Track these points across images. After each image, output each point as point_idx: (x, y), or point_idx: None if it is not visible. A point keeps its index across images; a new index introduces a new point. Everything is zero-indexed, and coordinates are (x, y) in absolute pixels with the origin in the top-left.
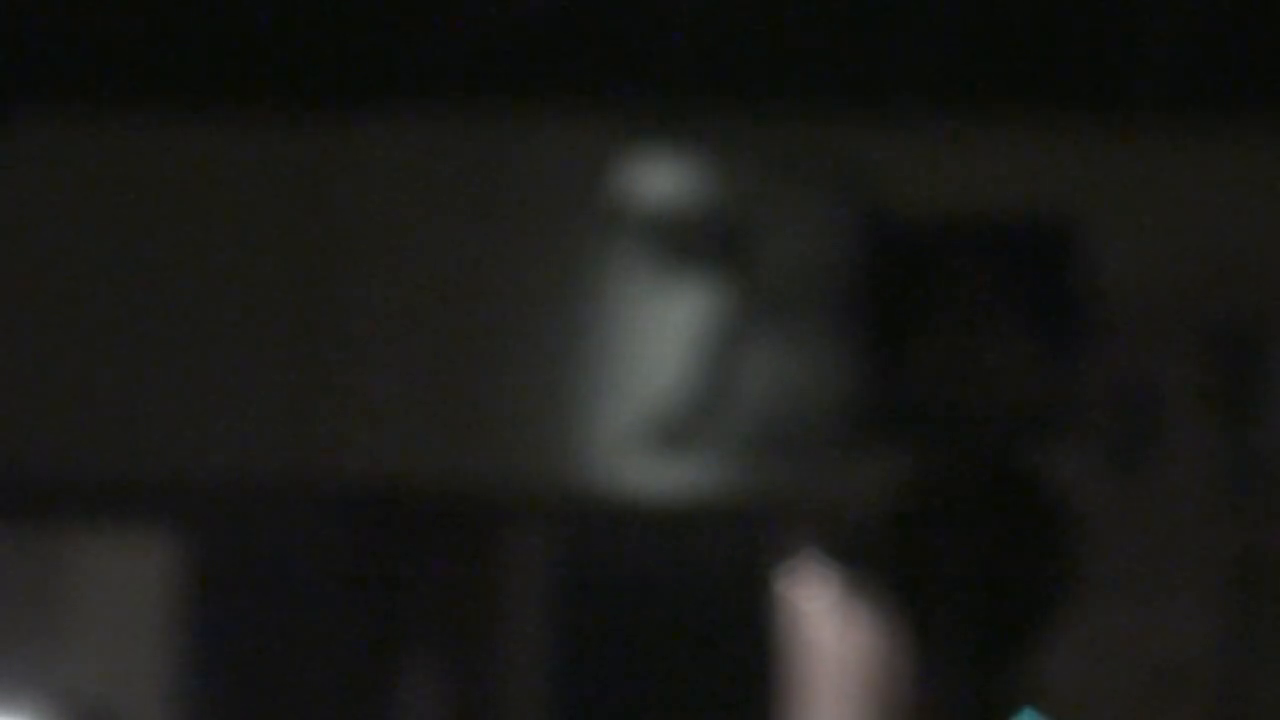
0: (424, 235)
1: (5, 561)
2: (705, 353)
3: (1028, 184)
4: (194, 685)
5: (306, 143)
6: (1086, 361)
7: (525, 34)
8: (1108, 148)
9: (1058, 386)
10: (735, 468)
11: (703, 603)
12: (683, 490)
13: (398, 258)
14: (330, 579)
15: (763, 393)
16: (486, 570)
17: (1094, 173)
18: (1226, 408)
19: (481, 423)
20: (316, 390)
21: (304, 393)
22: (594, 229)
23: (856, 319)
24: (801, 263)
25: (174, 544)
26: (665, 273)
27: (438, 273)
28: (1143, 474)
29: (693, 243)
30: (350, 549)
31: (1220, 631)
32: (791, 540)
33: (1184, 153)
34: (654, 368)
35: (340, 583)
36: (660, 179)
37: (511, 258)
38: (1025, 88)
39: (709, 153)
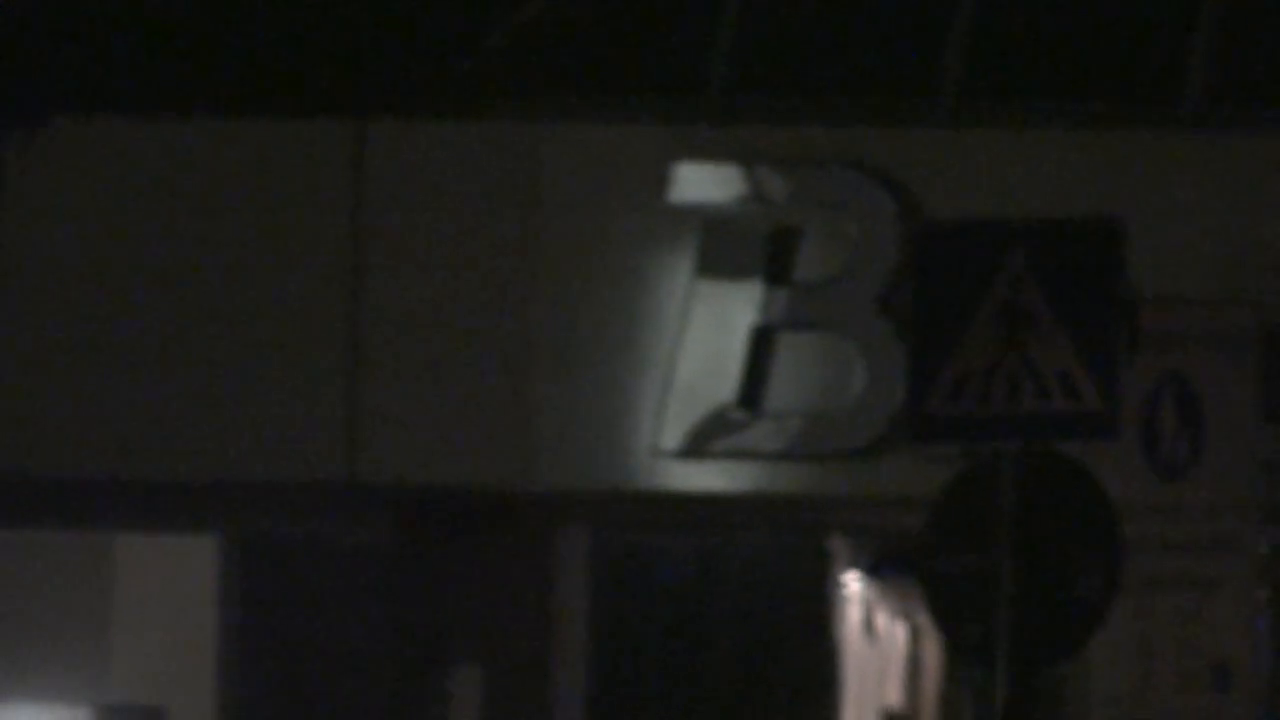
0: (470, 239)
1: (57, 563)
2: (749, 355)
3: (1069, 185)
4: (241, 685)
5: (351, 146)
6: (1130, 361)
7: (572, 35)
8: (1150, 148)
9: (1101, 387)
10: (779, 469)
11: (747, 604)
12: (726, 491)
13: (444, 260)
14: (376, 580)
15: (806, 395)
16: (533, 571)
17: (1137, 173)
18: (1265, 407)
19: (526, 425)
20: (363, 393)
21: (351, 396)
22: (640, 232)
23: (901, 321)
24: (845, 266)
25: (221, 546)
26: (710, 276)
27: (485, 275)
28: (1184, 473)
29: (738, 246)
30: (395, 551)
31: (1261, 628)
32: (833, 541)
33: (1226, 152)
34: (699, 370)
35: (386, 584)
36: (706, 182)
37: (557, 261)
38: (1066, 88)
39: (754, 156)
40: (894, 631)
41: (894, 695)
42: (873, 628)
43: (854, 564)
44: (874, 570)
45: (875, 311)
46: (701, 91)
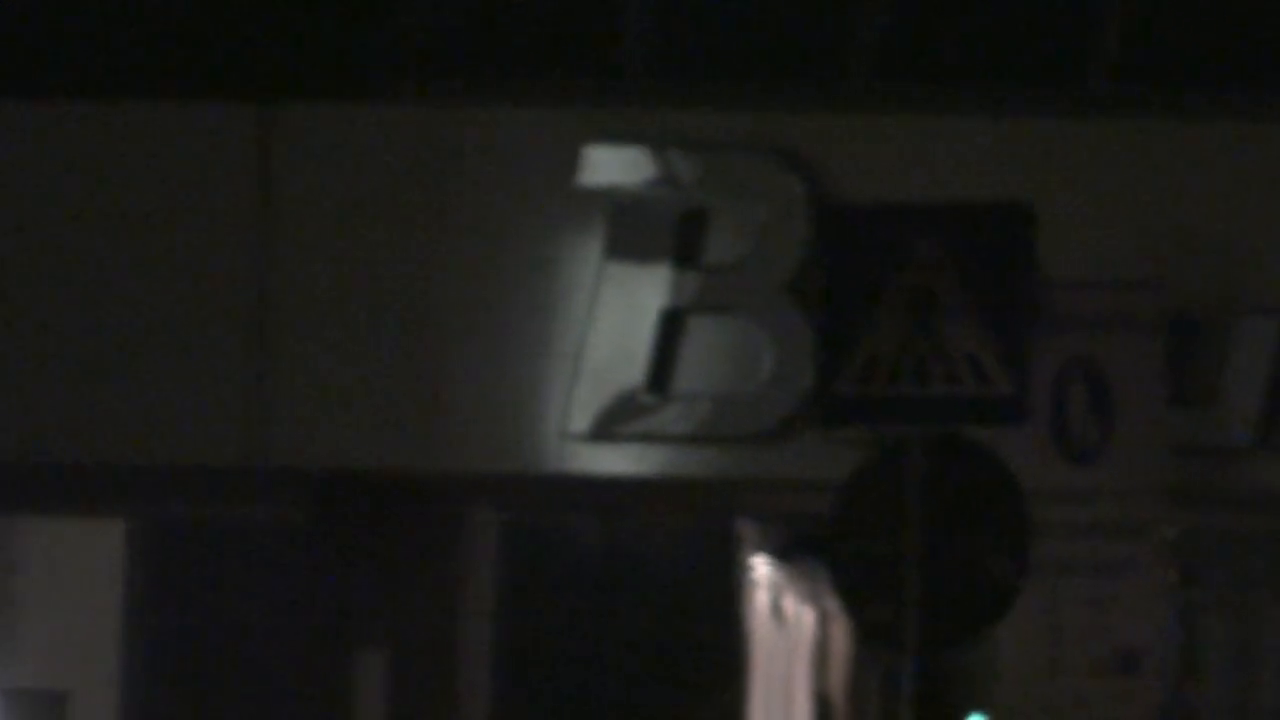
0: (378, 221)
1: None
2: (658, 338)
3: (980, 169)
4: (146, 669)
5: (258, 129)
6: (1037, 345)
7: (482, 17)
8: (1060, 132)
9: (1010, 370)
10: (687, 452)
11: (655, 587)
12: (634, 474)
13: (352, 242)
14: (282, 563)
15: (715, 378)
16: (440, 553)
17: (1046, 157)
18: (1173, 391)
19: (435, 407)
20: (270, 376)
21: (258, 379)
22: (550, 215)
23: (810, 304)
24: (755, 249)
25: (126, 529)
26: (620, 259)
27: (393, 258)
28: (1093, 456)
29: (647, 229)
30: (302, 533)
31: (1168, 613)
32: (741, 525)
33: (1135, 137)
34: (608, 353)
35: (292, 567)
36: (616, 165)
37: (466, 243)
38: (976, 72)
39: (664, 140)
40: (802, 615)
41: (802, 678)
42: (781, 611)
43: (762, 547)
44: (782, 554)
45: (784, 295)
46: (612, 75)
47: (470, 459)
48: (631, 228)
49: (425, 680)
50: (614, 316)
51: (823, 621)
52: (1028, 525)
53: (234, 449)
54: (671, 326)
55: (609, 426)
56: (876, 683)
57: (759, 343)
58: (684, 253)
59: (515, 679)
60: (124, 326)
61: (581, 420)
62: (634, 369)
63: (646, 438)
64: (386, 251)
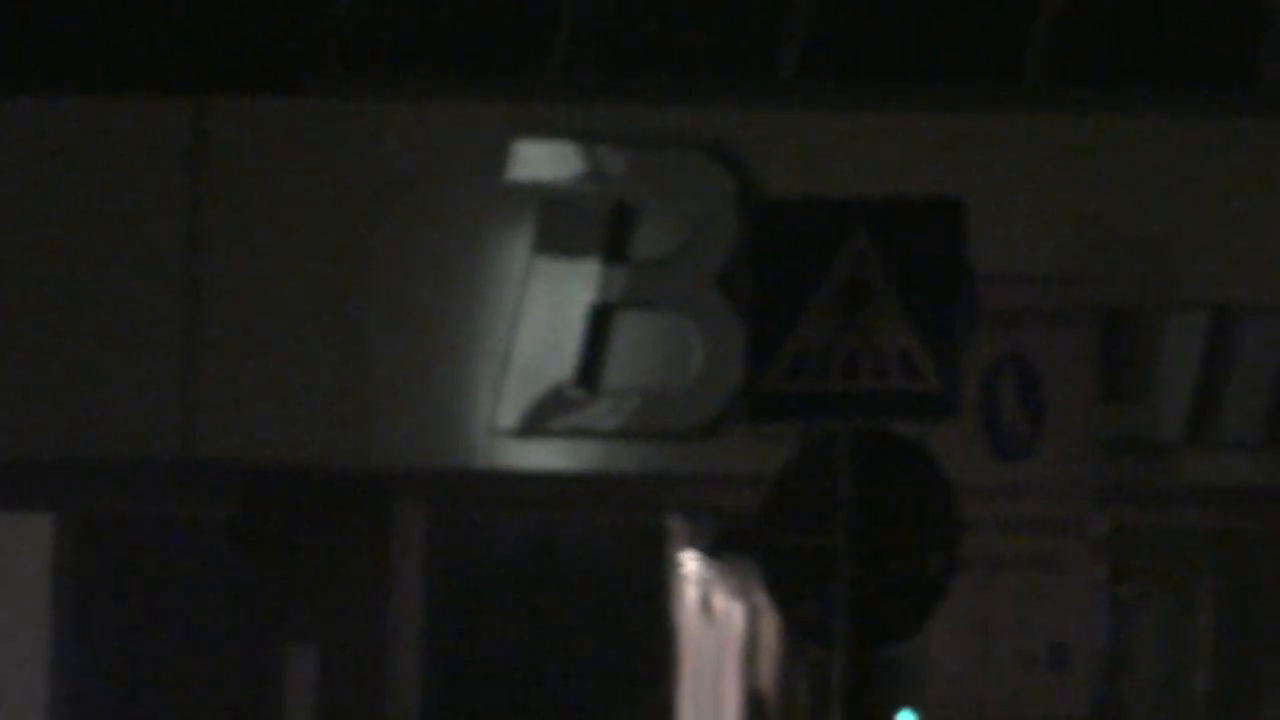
0: (308, 217)
1: None
2: (588, 333)
3: (910, 165)
4: (76, 665)
5: (189, 124)
6: (968, 340)
7: (412, 11)
8: (990, 127)
9: (941, 365)
10: (616, 448)
11: (585, 583)
12: (564, 470)
13: (281, 237)
14: (212, 559)
15: (644, 373)
16: (370, 549)
17: (977, 152)
18: (1104, 387)
19: (364, 403)
20: (200, 371)
21: (188, 374)
22: (478, 210)
23: (740, 299)
24: (684, 244)
25: (56, 525)
26: (549, 254)
27: (322, 253)
28: (1023, 452)
29: (576, 225)
30: (232, 529)
31: (1099, 609)
32: (671, 520)
33: (1066, 131)
34: (537, 348)
35: (222, 563)
36: (545, 160)
37: (395, 238)
38: (906, 67)
39: (593, 134)
40: (732, 611)
41: (731, 675)
42: (710, 607)
43: (692, 543)
44: (712, 549)
45: (713, 290)
46: (542, 69)
47: (399, 454)
48: (560, 223)
49: (354, 675)
50: (543, 312)
51: (752, 618)
52: (958, 521)
53: (163, 444)
54: (601, 321)
55: (538, 422)
56: (806, 679)
57: (688, 338)
58: (613, 248)
59: (444, 674)
60: (53, 321)
61: (510, 415)
62: (563, 364)
63: (575, 433)
64: (315, 247)
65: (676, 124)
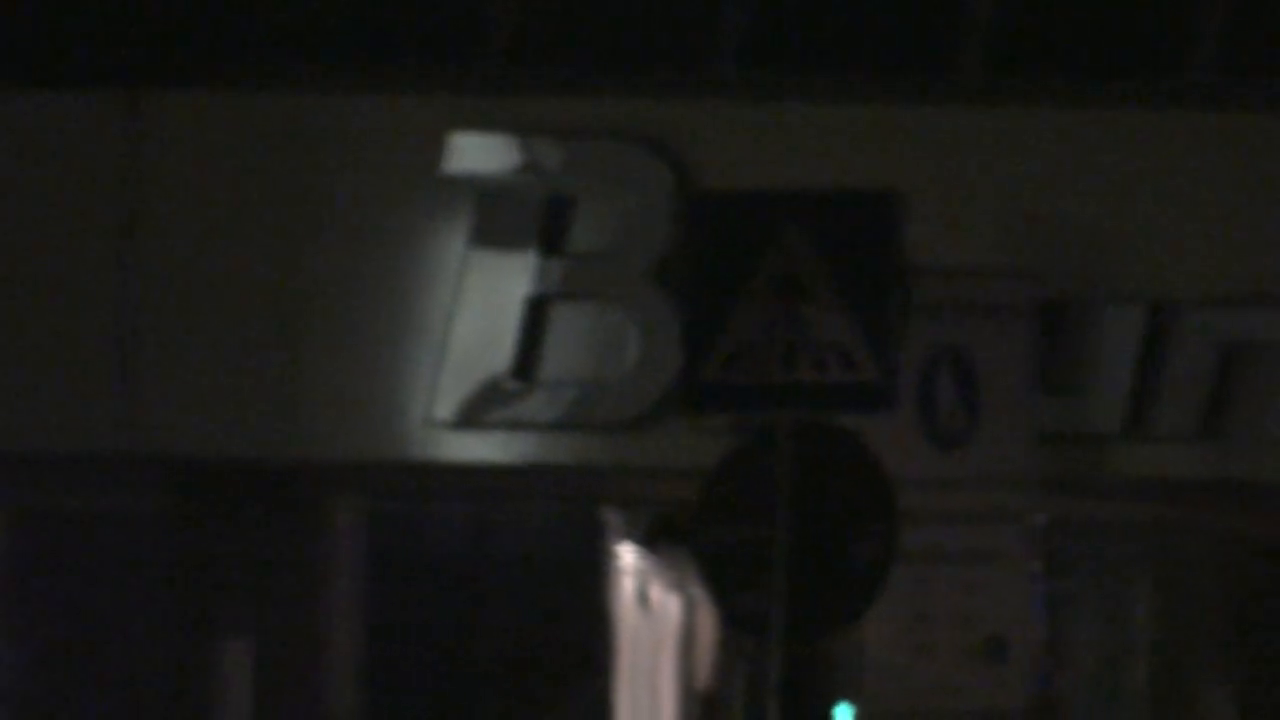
0: (244, 209)
1: None
2: (524, 325)
3: (847, 157)
4: (13, 654)
5: (124, 116)
6: (904, 333)
7: (349, 3)
8: (927, 121)
9: (878, 358)
10: (553, 439)
11: (521, 575)
12: (500, 461)
13: (217, 230)
14: (150, 551)
15: (580, 365)
16: (306, 541)
17: (914, 146)
18: (1041, 379)
19: (300, 395)
20: (137, 364)
21: (124, 367)
22: (415, 202)
23: (676, 292)
24: (621, 236)
25: None
26: (485, 246)
27: (258, 245)
28: (960, 444)
29: (512, 216)
30: (169, 521)
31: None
32: (607, 512)
33: (1003, 125)
34: (473, 340)
35: (160, 555)
36: (481, 152)
37: (331, 230)
38: (844, 59)
39: (530, 127)
40: (668, 603)
41: (668, 667)
42: (647, 599)
43: (628, 535)
44: (648, 541)
45: (650, 282)
46: (478, 62)
47: (335, 447)
48: (497, 215)
49: (291, 667)
50: (479, 303)
51: (689, 610)
52: (895, 512)
53: (98, 437)
54: (537, 313)
55: (474, 414)
56: (743, 671)
57: (625, 330)
58: (549, 240)
59: (380, 666)
60: None
61: (447, 407)
62: (499, 356)
63: (512, 425)
64: (251, 239)
65: (613, 117)
